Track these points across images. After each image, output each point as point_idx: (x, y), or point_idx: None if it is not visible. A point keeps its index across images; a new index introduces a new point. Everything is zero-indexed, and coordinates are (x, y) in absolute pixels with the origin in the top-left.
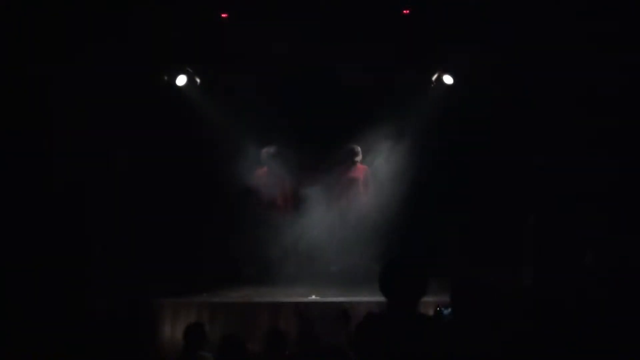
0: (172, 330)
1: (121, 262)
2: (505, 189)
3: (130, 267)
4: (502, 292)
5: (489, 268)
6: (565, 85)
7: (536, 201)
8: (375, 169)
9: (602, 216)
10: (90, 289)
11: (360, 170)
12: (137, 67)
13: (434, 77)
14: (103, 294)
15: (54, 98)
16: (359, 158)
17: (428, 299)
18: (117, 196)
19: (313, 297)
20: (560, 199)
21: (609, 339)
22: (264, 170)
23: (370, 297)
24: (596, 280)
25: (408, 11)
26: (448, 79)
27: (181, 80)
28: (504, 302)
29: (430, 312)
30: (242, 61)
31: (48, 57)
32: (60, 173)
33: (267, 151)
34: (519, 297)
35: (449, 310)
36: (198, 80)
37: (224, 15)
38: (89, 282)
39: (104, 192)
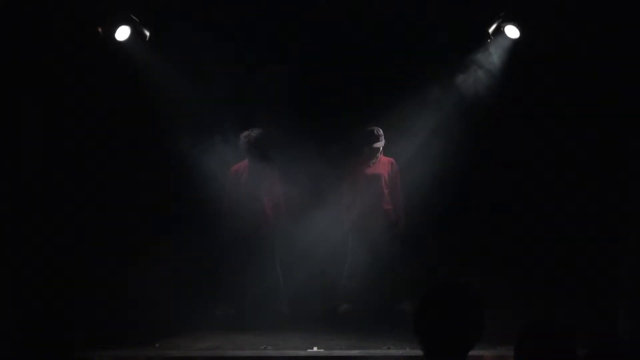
0: None
1: (32, 295)
2: (598, 192)
3: (49, 304)
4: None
5: (571, 308)
6: None
7: None
8: (408, 163)
9: None
10: None
11: (384, 164)
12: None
13: (492, 29)
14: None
15: None
16: (381, 145)
17: (480, 352)
18: (33, 197)
19: (315, 349)
20: None
21: None
22: (244, 164)
23: (398, 350)
24: None
25: None
26: (512, 31)
27: (122, 33)
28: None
29: None
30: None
31: None
32: None
33: (247, 136)
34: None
35: None
36: (147, 32)
37: None
38: None
39: (13, 194)
